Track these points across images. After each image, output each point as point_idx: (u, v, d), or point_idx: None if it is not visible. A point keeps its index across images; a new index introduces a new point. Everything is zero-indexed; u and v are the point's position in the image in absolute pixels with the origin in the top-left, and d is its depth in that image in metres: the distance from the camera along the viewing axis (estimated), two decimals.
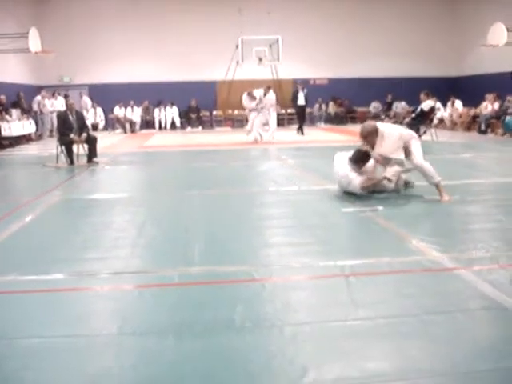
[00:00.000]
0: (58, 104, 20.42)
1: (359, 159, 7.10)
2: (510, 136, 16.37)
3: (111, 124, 23.03)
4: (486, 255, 4.51)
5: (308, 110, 21.35)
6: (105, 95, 22.38)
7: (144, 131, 22.74)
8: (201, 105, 23.56)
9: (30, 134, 18.79)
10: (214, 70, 22.92)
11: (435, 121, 16.74)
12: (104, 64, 23.08)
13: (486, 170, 9.91)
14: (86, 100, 22.65)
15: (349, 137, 16.23)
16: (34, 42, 18.24)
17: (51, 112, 19.96)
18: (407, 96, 21.68)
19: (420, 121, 15.10)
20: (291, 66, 22.57)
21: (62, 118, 11.77)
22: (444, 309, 3.46)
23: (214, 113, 24.17)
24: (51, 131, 19.90)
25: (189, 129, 23.18)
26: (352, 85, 23.60)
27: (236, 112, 23.12)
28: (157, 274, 4.34)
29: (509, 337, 3.08)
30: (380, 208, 6.40)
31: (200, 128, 23.33)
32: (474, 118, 19.09)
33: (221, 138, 18.30)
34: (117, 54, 22.99)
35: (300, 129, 18.89)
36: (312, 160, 11.60)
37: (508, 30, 18.24)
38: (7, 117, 16.98)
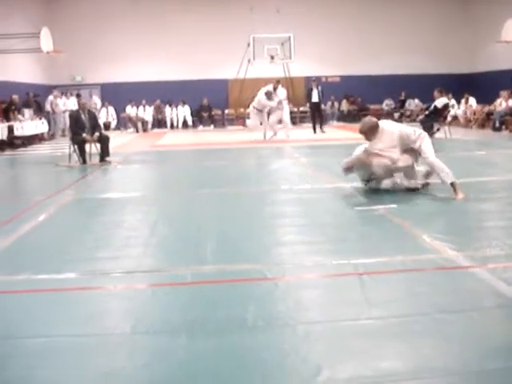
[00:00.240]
0: (71, 103, 20.52)
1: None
2: None
3: (123, 123, 23.11)
4: (500, 253, 4.46)
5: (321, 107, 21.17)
6: (117, 94, 22.46)
7: (156, 130, 22.81)
8: (213, 103, 23.58)
9: (42, 134, 18.91)
10: (226, 68, 22.93)
11: (449, 118, 16.62)
12: (116, 63, 23.15)
13: (501, 167, 9.83)
14: (96, 100, 22.73)
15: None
16: (46, 41, 18.36)
17: (63, 111, 20.07)
18: (420, 93, 21.60)
19: (433, 118, 15.03)
20: (303, 64, 22.52)
21: (75, 117, 11.82)
22: (458, 307, 3.43)
23: (226, 111, 24.19)
24: (63, 131, 20.01)
25: (201, 127, 23.22)
26: (364, 82, 23.51)
27: (248, 110, 23.08)
28: (169, 272, 4.33)
29: None
30: (393, 206, 6.36)
31: (212, 127, 23.36)
32: (488, 115, 18.93)
33: (233, 136, 18.30)
34: (129, 53, 23.05)
35: (315, 127, 18.61)
36: (325, 158, 11.55)
37: None
38: (20, 116, 17.08)
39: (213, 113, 23.86)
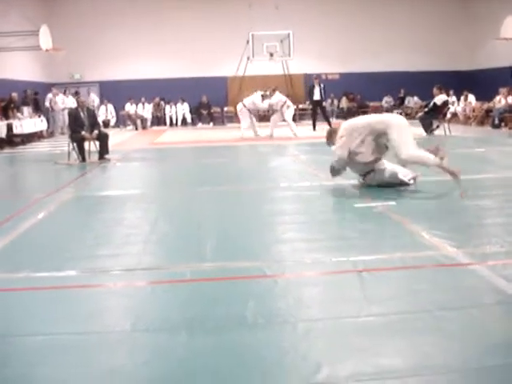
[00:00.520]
0: (69, 101, 20.50)
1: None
2: None
3: (122, 121, 23.11)
4: (500, 250, 4.46)
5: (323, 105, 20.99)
6: (116, 92, 22.46)
7: (155, 128, 22.81)
8: (212, 101, 23.57)
9: (41, 132, 18.89)
10: (225, 65, 22.93)
11: (448, 115, 16.62)
12: (115, 61, 23.13)
13: (500, 164, 9.83)
14: (94, 97, 22.70)
15: None
16: (45, 39, 18.35)
17: (62, 109, 20.05)
18: (420, 91, 21.58)
19: (433, 115, 15.05)
20: (302, 61, 22.51)
21: (73, 115, 11.81)
22: (458, 304, 3.43)
23: (225, 109, 24.15)
24: (62, 128, 20.00)
25: (200, 125, 23.21)
26: (364, 79, 23.49)
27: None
28: (169, 270, 4.34)
29: None
30: (392, 203, 6.36)
31: (211, 124, 23.35)
32: (488, 112, 18.91)
33: (232, 134, 18.28)
34: (128, 50, 23.02)
35: (315, 125, 18.51)
36: (324, 156, 11.50)
37: None
38: (19, 114, 17.06)
39: (212, 110, 23.84)
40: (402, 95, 23.91)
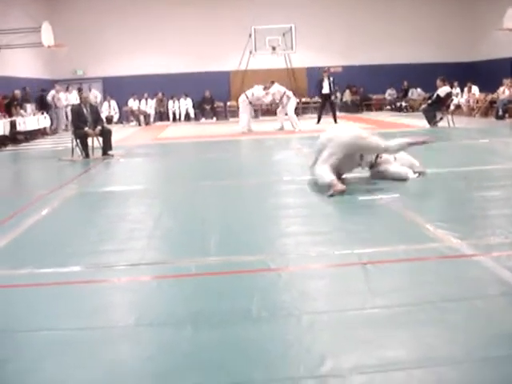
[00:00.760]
0: (72, 97, 20.51)
1: None
2: None
3: (125, 117, 23.11)
4: (504, 241, 4.45)
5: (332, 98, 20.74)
6: (119, 88, 22.45)
7: (158, 123, 22.81)
8: (215, 96, 23.55)
9: (44, 128, 18.90)
10: (228, 60, 22.90)
11: (452, 107, 16.56)
12: (117, 56, 23.13)
13: (504, 155, 9.80)
14: (96, 93, 22.69)
15: (363, 125, 16.11)
16: (47, 36, 18.35)
17: (66, 106, 20.06)
18: (423, 82, 21.52)
19: (436, 107, 15.01)
20: (304, 54, 22.46)
21: (76, 111, 11.81)
22: (462, 296, 3.42)
23: (228, 103, 24.07)
24: (66, 125, 20.01)
25: (203, 120, 23.20)
26: (366, 72, 23.45)
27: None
28: (174, 264, 4.34)
29: None
30: (396, 195, 6.35)
31: (214, 119, 23.33)
32: (491, 103, 18.86)
33: (235, 128, 18.25)
34: (130, 46, 23.02)
35: (320, 118, 18.31)
36: None
37: None
38: (22, 111, 17.08)
39: (215, 105, 23.82)
40: (405, 87, 23.83)
